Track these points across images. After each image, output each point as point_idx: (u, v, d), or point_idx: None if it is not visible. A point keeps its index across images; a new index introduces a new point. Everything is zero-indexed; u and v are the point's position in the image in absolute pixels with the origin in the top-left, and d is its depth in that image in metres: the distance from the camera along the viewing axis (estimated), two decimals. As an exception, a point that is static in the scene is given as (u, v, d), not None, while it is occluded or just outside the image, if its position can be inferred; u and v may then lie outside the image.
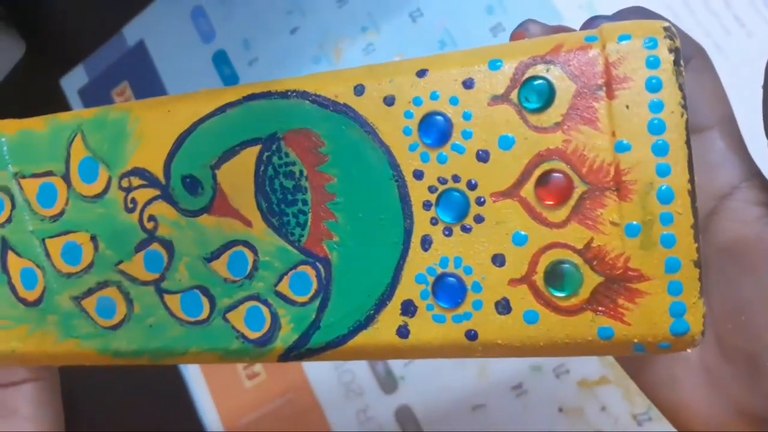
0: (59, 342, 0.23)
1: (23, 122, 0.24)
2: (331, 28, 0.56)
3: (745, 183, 0.20)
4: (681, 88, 0.17)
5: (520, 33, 0.21)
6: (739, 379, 0.20)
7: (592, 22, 0.20)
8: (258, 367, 0.55)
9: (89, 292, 0.23)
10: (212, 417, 0.56)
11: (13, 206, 0.24)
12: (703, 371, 0.21)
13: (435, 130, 0.19)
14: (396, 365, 0.50)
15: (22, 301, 0.24)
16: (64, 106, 0.66)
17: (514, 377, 0.47)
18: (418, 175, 0.20)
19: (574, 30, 0.20)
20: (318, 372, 0.53)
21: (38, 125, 0.23)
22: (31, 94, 0.69)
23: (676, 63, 0.18)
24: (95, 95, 0.65)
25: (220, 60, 0.60)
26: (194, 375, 0.57)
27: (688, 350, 0.19)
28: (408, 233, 0.20)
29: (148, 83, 0.63)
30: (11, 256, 0.24)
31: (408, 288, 0.20)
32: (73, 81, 0.67)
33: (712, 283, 0.21)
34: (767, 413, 0.20)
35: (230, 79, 0.59)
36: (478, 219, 0.19)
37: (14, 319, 0.24)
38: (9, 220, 0.24)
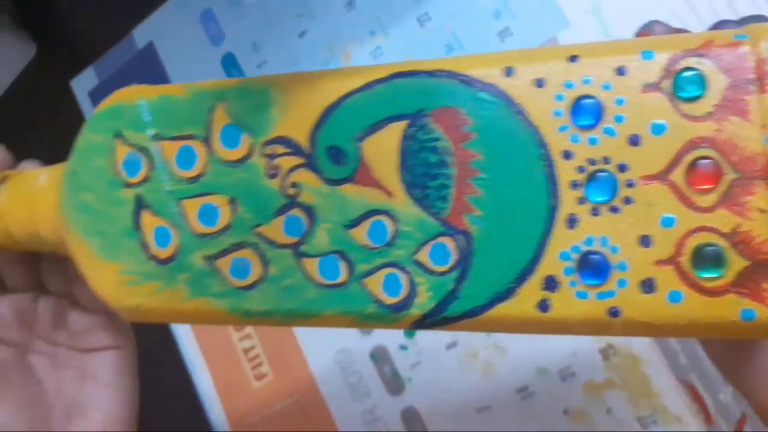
0: (188, 299, 0.24)
1: (163, 88, 0.25)
2: (340, 32, 0.56)
3: None
4: None
5: (645, 32, 0.23)
6: None
7: (722, 25, 0.22)
8: (265, 367, 0.55)
9: (224, 252, 0.24)
10: (219, 417, 0.56)
11: (151, 167, 0.24)
12: None
13: (586, 113, 0.20)
14: (402, 367, 0.51)
15: (153, 258, 0.24)
16: (74, 108, 0.66)
17: (520, 380, 0.48)
18: (567, 155, 0.20)
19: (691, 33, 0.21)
20: (325, 373, 0.53)
21: (179, 91, 0.24)
22: (41, 95, 0.69)
23: None
24: (105, 97, 0.65)
25: (229, 63, 0.60)
26: (202, 375, 0.57)
27: None
28: (552, 211, 0.20)
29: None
30: (145, 215, 0.24)
31: (551, 264, 0.20)
32: (84, 83, 0.66)
33: None
34: None
35: (239, 82, 0.59)
36: (627, 200, 0.20)
37: (143, 275, 0.24)
38: (146, 179, 0.24)
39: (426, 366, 0.51)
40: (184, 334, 0.58)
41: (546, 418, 0.47)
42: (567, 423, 0.47)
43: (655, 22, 0.23)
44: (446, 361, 0.50)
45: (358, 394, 0.52)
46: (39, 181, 0.28)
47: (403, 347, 0.51)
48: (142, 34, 0.65)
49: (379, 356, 0.52)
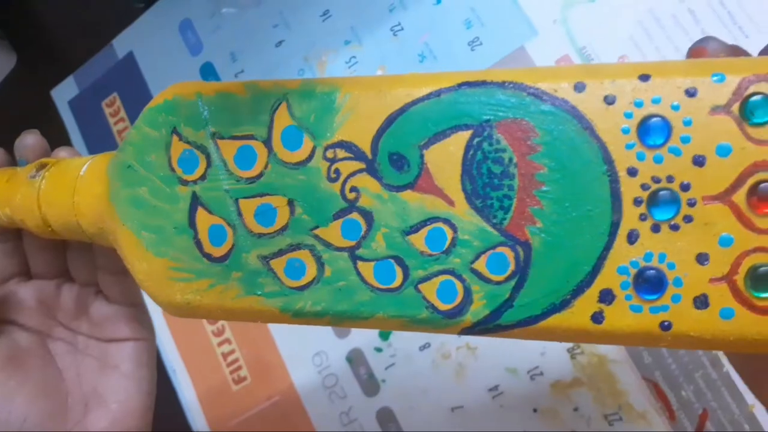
0: (239, 297, 0.24)
1: (221, 85, 0.25)
2: (316, 42, 0.57)
3: None
4: None
5: (701, 48, 0.23)
6: None
7: None
8: (244, 371, 0.56)
9: (279, 252, 0.24)
10: (199, 420, 0.57)
11: (209, 164, 0.24)
12: None
13: (654, 132, 0.20)
14: (378, 369, 0.52)
15: (207, 256, 0.24)
16: (55, 117, 0.66)
17: (491, 380, 0.49)
18: (632, 172, 0.20)
19: (748, 52, 0.22)
20: (302, 376, 0.54)
21: (238, 89, 0.24)
22: (22, 105, 0.70)
23: None
24: (85, 106, 0.66)
25: (208, 72, 0.61)
26: (182, 379, 0.58)
27: None
28: (615, 226, 0.21)
29: (137, 94, 0.63)
30: (201, 212, 0.24)
31: (609, 277, 0.21)
32: (64, 92, 0.67)
33: None
34: None
35: (217, 90, 0.60)
36: (688, 219, 0.20)
37: (196, 272, 0.25)
38: (203, 177, 0.24)
39: (400, 367, 0.52)
40: (164, 339, 0.58)
41: (516, 416, 0.48)
42: (537, 421, 0.48)
43: (711, 38, 0.23)
44: (420, 363, 0.51)
45: (334, 396, 0.53)
46: (81, 170, 0.28)
47: (378, 349, 0.52)
48: (121, 43, 0.65)
49: (355, 359, 0.53)
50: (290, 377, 0.55)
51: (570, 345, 0.47)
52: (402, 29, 0.54)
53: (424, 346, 0.51)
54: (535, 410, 0.48)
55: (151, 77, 0.63)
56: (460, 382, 0.50)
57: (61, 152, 0.32)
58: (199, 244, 0.25)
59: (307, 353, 0.54)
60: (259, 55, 0.59)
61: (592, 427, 0.46)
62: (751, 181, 0.19)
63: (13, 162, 0.32)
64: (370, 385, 0.52)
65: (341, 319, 0.24)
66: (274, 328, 0.56)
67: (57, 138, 0.66)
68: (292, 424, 0.54)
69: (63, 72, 0.68)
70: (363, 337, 0.53)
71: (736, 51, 0.23)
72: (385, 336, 0.52)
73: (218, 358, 0.57)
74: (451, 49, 0.53)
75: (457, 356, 0.50)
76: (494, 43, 0.51)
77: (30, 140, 0.31)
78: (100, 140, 0.65)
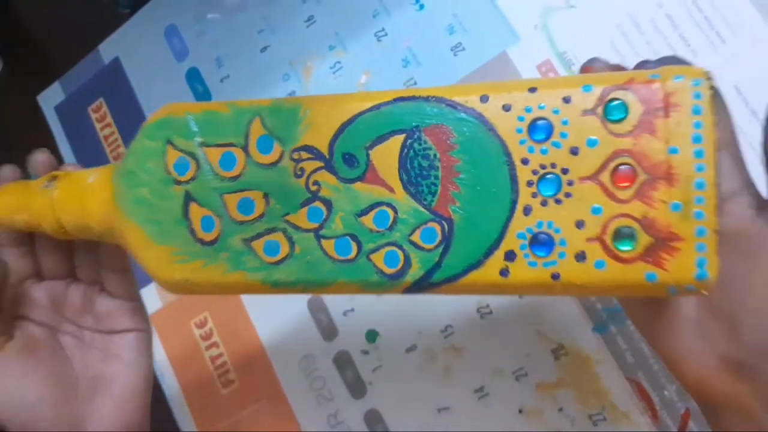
0: (227, 273, 0.30)
1: (207, 104, 0.31)
2: (300, 47, 0.58)
3: (742, 191, 0.28)
4: (715, 115, 0.25)
5: (589, 67, 0.30)
6: (723, 333, 0.28)
7: (643, 65, 0.28)
8: (232, 375, 0.56)
9: (258, 235, 0.30)
10: (188, 424, 0.57)
11: (198, 168, 0.30)
12: (697, 327, 0.29)
13: (540, 131, 0.27)
14: (364, 371, 0.52)
15: (200, 241, 0.30)
16: (42, 122, 0.67)
17: (477, 381, 0.50)
18: (525, 161, 0.27)
19: (627, 69, 0.28)
20: (290, 379, 0.55)
21: (221, 108, 0.30)
22: (9, 110, 0.70)
23: (713, 99, 0.25)
24: (71, 111, 0.66)
25: (193, 77, 0.61)
26: (170, 383, 0.58)
27: (705, 293, 0.26)
28: (514, 203, 0.27)
29: (123, 99, 0.64)
30: (193, 206, 0.30)
31: (511, 241, 0.27)
32: (50, 97, 0.67)
33: None
34: (744, 358, 0.27)
35: (203, 95, 0.60)
36: (568, 195, 0.26)
37: (191, 254, 0.30)
38: (194, 178, 0.30)
39: (387, 369, 0.52)
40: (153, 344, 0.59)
41: (502, 417, 0.49)
42: (522, 422, 0.48)
43: (596, 59, 0.30)
44: (406, 365, 0.52)
45: (321, 398, 0.54)
46: (88, 180, 0.34)
47: (365, 352, 0.53)
48: (107, 49, 0.66)
49: (342, 361, 0.53)
50: (278, 380, 0.55)
51: (554, 346, 0.48)
52: (386, 35, 0.55)
53: (411, 348, 0.51)
54: (520, 411, 0.48)
55: (137, 82, 0.64)
56: (446, 384, 0.50)
57: (68, 167, 0.37)
58: (192, 231, 0.30)
59: (294, 356, 0.55)
60: (244, 61, 0.59)
61: (577, 427, 0.47)
62: (612, 165, 0.26)
63: (25, 176, 0.37)
64: (357, 387, 0.53)
65: (310, 287, 0.30)
66: (261, 331, 0.56)
67: (44, 143, 0.66)
68: (280, 427, 0.55)
69: (49, 77, 0.68)
70: (350, 340, 0.53)
71: (617, 68, 0.29)
72: (372, 338, 0.52)
73: (206, 362, 0.57)
74: (435, 55, 0.53)
75: (443, 358, 0.51)
76: (477, 49, 0.52)
77: (41, 157, 0.37)
78: (86, 145, 0.65)
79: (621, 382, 0.46)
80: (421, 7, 0.54)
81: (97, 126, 0.64)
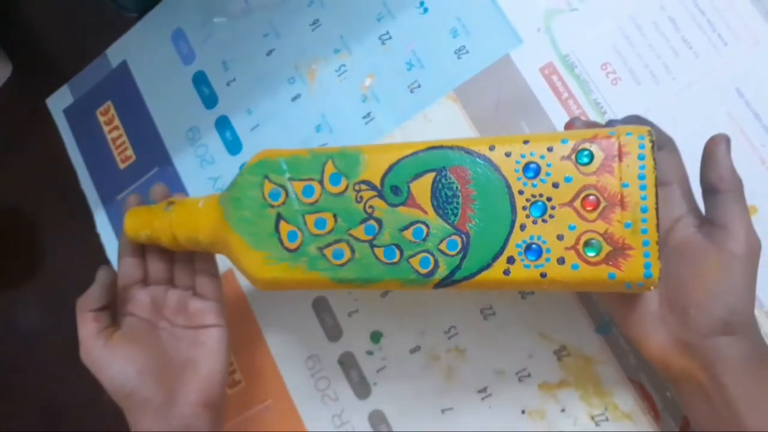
0: (306, 272, 0.39)
1: (293, 151, 0.41)
2: (305, 50, 0.58)
3: (688, 214, 0.38)
4: (655, 160, 0.34)
5: (571, 124, 0.40)
6: (677, 322, 0.37)
7: (611, 123, 0.39)
8: (238, 375, 0.57)
9: (328, 245, 0.39)
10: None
11: (287, 196, 0.40)
12: (658, 317, 0.38)
13: (531, 171, 0.36)
14: (369, 372, 0.53)
15: (286, 249, 0.40)
16: (50, 125, 0.67)
17: (480, 381, 0.50)
18: (521, 192, 0.36)
19: (602, 125, 0.38)
20: (295, 379, 0.55)
21: (303, 153, 0.40)
22: (18, 113, 0.71)
23: (653, 148, 0.34)
24: (80, 114, 0.66)
25: (200, 80, 0.62)
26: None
27: (652, 288, 0.34)
28: (513, 222, 0.36)
29: (130, 102, 0.64)
30: (282, 223, 0.40)
31: (511, 250, 0.36)
32: (59, 101, 0.68)
33: (668, 268, 0.38)
34: (692, 340, 0.36)
35: (209, 98, 0.61)
36: (551, 216, 0.35)
37: (279, 259, 0.40)
38: (283, 203, 0.40)
39: (391, 370, 0.52)
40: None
41: (505, 417, 0.49)
42: (525, 422, 0.49)
43: (576, 118, 0.40)
44: (410, 365, 0.52)
45: (327, 399, 0.54)
46: (198, 204, 0.44)
47: (370, 353, 0.53)
48: (115, 53, 0.66)
49: (347, 362, 0.54)
50: (283, 381, 0.55)
51: (557, 347, 0.48)
52: (390, 38, 0.55)
53: (415, 349, 0.52)
54: (523, 411, 0.49)
55: (145, 86, 0.64)
56: (449, 384, 0.51)
57: (179, 196, 0.48)
58: (281, 242, 0.40)
59: (299, 357, 0.55)
60: (250, 64, 0.60)
61: (579, 427, 0.47)
62: (582, 195, 0.35)
63: (145, 202, 0.49)
64: (362, 387, 0.53)
65: (365, 284, 0.39)
66: (267, 332, 0.56)
67: (52, 145, 0.66)
68: (285, 427, 0.55)
69: (58, 81, 0.68)
70: (354, 341, 0.54)
71: (593, 124, 0.39)
72: (376, 339, 0.53)
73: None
74: (438, 58, 0.54)
75: (447, 359, 0.51)
76: (480, 52, 0.52)
77: (159, 188, 0.49)
78: (94, 147, 0.65)
79: (623, 382, 0.47)
80: (425, 10, 0.54)
81: (105, 129, 0.65)
